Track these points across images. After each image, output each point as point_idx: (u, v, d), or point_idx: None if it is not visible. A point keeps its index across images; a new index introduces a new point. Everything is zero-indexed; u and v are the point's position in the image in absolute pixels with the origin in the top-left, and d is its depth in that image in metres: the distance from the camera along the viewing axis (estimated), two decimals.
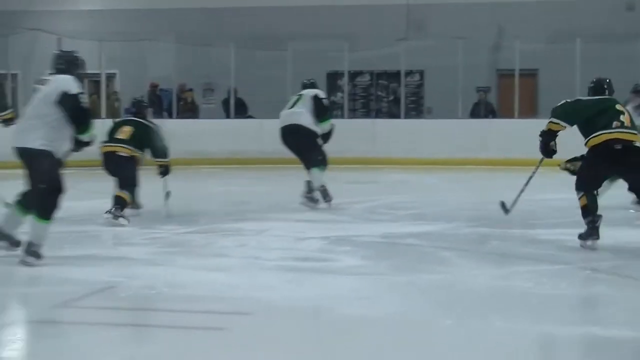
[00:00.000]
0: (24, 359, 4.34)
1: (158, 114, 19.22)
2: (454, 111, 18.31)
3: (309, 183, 10.10)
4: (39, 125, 6.39)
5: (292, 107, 10.21)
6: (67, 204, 9.60)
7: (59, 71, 6.61)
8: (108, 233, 8.07)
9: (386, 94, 21.06)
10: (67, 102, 6.37)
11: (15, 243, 6.64)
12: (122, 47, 19.01)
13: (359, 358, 4.27)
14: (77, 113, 6.43)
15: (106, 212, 8.52)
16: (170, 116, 18.99)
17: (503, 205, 8.58)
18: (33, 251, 6.35)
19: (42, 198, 6.37)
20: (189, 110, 19.39)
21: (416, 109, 20.72)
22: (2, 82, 18.57)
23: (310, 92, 10.26)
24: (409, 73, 19.89)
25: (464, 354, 4.30)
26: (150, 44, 19.13)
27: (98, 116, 17.94)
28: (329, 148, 10.34)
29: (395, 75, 20.05)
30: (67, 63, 6.66)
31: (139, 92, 19.71)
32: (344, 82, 19.67)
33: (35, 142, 6.36)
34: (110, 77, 20.12)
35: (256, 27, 19.94)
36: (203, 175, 15.36)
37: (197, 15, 20.41)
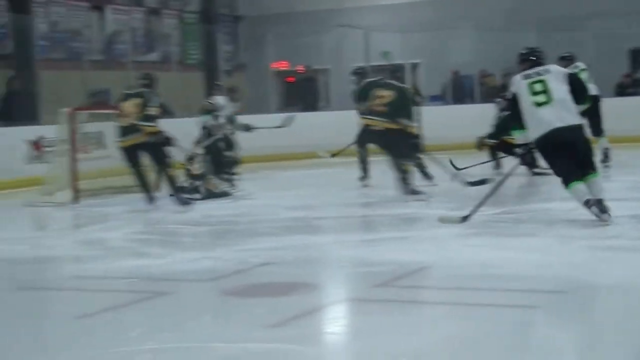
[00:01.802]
0: (348, 335, 4.65)
1: (460, 100, 19.52)
2: None
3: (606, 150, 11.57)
4: (568, 106, 7.28)
5: None
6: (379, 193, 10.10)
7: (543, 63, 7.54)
8: (420, 215, 8.40)
9: None
10: (574, 80, 7.43)
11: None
12: (424, 37, 19.43)
13: None
14: (581, 87, 7.48)
15: None
16: (472, 102, 19.18)
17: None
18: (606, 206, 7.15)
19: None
20: (491, 95, 19.43)
21: None
22: (316, 77, 19.71)
23: None
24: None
25: None
26: (450, 33, 19.42)
27: None
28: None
29: None
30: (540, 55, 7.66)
31: (441, 80, 20.18)
32: None
33: (577, 119, 7.32)
34: (413, 67, 20.64)
35: (554, 9, 19.60)
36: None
37: (495, 1, 20.37)
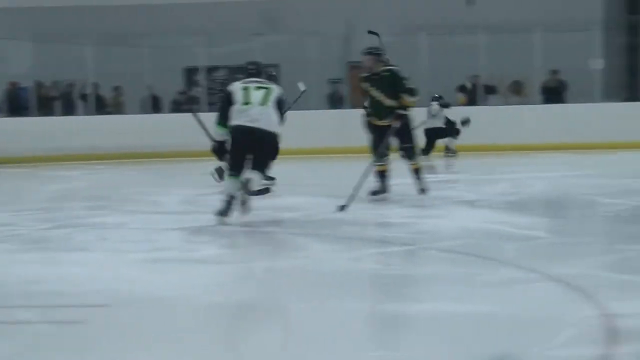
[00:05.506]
0: None
1: (17, 112, 19.07)
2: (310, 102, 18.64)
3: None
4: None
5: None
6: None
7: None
8: None
9: None
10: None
11: None
12: None
13: (215, 344, 4.42)
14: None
15: None
16: (28, 114, 18.89)
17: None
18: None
19: None
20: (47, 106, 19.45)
21: None
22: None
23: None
24: (265, 67, 20.07)
25: (316, 336, 4.45)
26: (7, 43, 19.01)
27: None
28: None
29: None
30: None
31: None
32: (201, 77, 19.84)
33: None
34: None
35: (114, 24, 19.86)
36: (67, 168, 14.89)
37: (54, 13, 20.10)
